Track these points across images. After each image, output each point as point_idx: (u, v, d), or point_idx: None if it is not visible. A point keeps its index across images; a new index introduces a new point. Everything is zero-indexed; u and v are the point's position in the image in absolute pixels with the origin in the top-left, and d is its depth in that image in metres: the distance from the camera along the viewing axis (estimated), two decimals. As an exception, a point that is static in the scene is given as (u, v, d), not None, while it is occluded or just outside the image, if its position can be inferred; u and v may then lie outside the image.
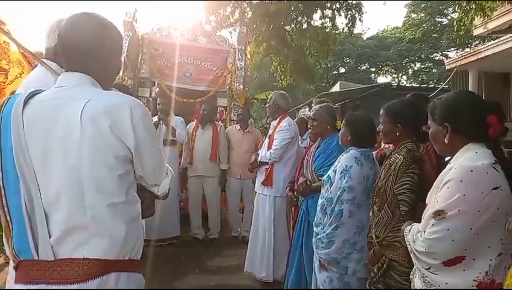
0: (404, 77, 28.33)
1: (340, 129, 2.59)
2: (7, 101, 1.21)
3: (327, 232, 2.29)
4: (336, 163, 2.43)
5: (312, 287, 2.52)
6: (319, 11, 7.27)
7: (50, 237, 1.14)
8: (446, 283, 1.35)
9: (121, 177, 1.20)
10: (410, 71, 27.72)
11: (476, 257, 1.33)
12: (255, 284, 3.70)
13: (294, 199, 3.09)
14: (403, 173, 1.89)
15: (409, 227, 1.52)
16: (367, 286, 2.04)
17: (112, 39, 1.28)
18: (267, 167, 3.66)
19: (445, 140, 1.47)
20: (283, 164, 3.61)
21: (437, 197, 1.39)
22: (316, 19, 7.53)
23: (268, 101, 3.89)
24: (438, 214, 1.34)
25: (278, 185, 3.57)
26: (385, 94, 11.33)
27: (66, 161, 1.14)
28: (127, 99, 1.22)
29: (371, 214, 2.05)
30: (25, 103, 1.18)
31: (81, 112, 1.14)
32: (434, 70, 24.79)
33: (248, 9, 7.17)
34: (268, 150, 3.66)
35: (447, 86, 10.07)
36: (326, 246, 2.28)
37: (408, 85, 15.77)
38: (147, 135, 1.23)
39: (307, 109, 14.10)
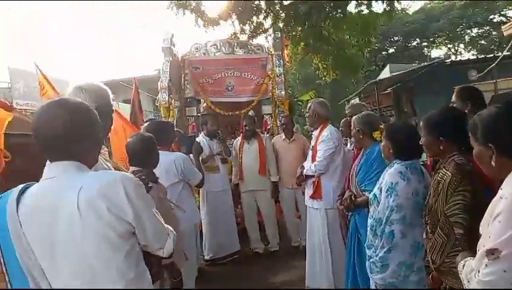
0: (462, 46, 26.35)
1: (378, 140, 2.43)
2: None
3: (380, 255, 2.15)
4: (380, 180, 2.28)
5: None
6: (353, 1, 6.96)
7: None
8: None
9: (128, 253, 1.23)
10: (466, 38, 25.68)
11: None
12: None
13: (346, 213, 2.97)
14: (453, 191, 1.71)
15: (462, 262, 1.37)
16: (428, 314, 1.89)
17: (83, 120, 1.28)
18: (314, 179, 3.56)
19: (492, 162, 1.30)
20: (330, 175, 3.50)
21: (489, 232, 1.24)
22: (351, 9, 7.20)
23: (307, 110, 3.79)
24: (492, 253, 1.19)
25: (328, 197, 3.46)
26: (439, 72, 10.60)
27: (73, 252, 1.18)
28: (117, 176, 1.26)
29: (424, 236, 1.89)
30: (18, 201, 1.21)
31: (77, 201, 1.16)
32: (494, 33, 22.72)
33: (280, 11, 7.05)
34: (312, 162, 3.56)
35: (509, 53, 9.16)
36: (381, 270, 2.15)
37: (463, 58, 14.52)
38: (142, 205, 1.27)
39: (357, 99, 13.62)
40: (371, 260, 2.23)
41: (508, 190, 1.24)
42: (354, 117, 2.87)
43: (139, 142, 2.44)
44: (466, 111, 2.46)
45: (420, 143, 1.95)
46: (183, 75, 6.43)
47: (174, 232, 1.44)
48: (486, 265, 1.21)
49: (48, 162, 1.28)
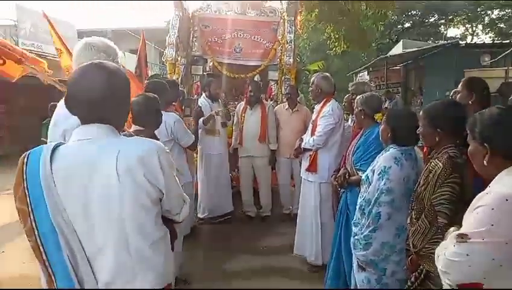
0: (480, 27, 25.58)
1: (378, 122, 2.46)
2: (28, 157, 1.25)
3: (365, 233, 2.24)
4: (374, 162, 2.33)
5: (352, 284, 2.52)
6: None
7: (97, 282, 1.24)
8: None
9: (156, 216, 1.32)
10: (486, 20, 24.88)
11: (496, 288, 1.27)
12: (304, 267, 3.78)
13: (339, 189, 3.04)
14: (442, 182, 1.76)
15: (443, 242, 1.46)
16: (403, 294, 2.00)
17: (120, 85, 1.33)
18: (311, 153, 3.61)
19: (484, 161, 1.35)
20: (327, 150, 3.55)
21: (466, 219, 1.33)
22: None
23: (310, 84, 3.76)
24: (461, 237, 1.28)
25: (323, 171, 3.54)
26: (452, 53, 10.39)
27: (109, 213, 1.22)
28: (153, 145, 1.31)
29: (408, 220, 1.96)
30: (51, 159, 1.23)
31: (116, 164, 1.21)
32: (515, 16, 22.00)
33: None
34: (311, 136, 3.59)
35: (525, 41, 8.94)
36: (364, 247, 2.25)
37: (479, 42, 14.10)
38: (171, 174, 1.34)
39: (366, 72, 13.45)
40: (356, 237, 2.32)
41: (496, 187, 1.29)
42: (358, 97, 2.87)
43: (144, 102, 2.46)
44: (470, 102, 2.47)
45: (418, 132, 1.98)
46: (192, 32, 6.32)
47: (189, 199, 1.51)
48: (454, 245, 1.31)
49: (80, 124, 1.30)
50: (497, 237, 1.22)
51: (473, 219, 1.29)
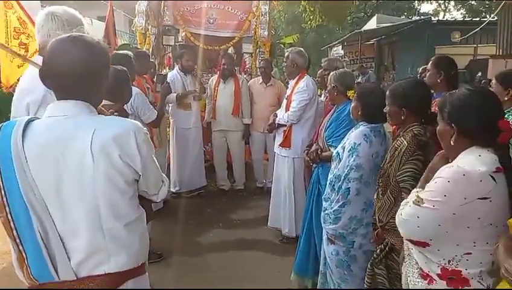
0: (452, 3, 25.91)
1: (351, 99, 2.49)
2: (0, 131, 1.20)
3: (334, 208, 2.31)
4: (344, 139, 2.37)
5: (321, 256, 2.61)
6: None
7: (70, 261, 1.22)
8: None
9: (131, 198, 1.30)
10: (458, -4, 25.21)
11: (441, 249, 1.38)
12: (276, 239, 3.88)
13: (311, 164, 3.10)
14: (406, 159, 1.83)
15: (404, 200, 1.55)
16: (369, 266, 2.10)
17: (100, 60, 1.27)
18: (285, 128, 3.64)
19: (451, 142, 1.40)
20: (301, 126, 3.58)
21: (427, 186, 1.40)
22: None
23: (285, 60, 3.74)
24: (417, 200, 1.38)
25: (296, 146, 3.58)
26: (424, 29, 10.53)
27: (81, 192, 1.19)
28: (130, 125, 1.27)
29: (375, 196, 2.03)
30: (23, 134, 1.18)
31: (91, 143, 1.17)
32: (486, -6, 22.37)
33: None
34: (286, 112, 3.61)
35: (494, 19, 9.16)
36: (333, 221, 2.32)
37: (450, 19, 14.35)
38: (149, 155, 1.31)
39: (340, 47, 13.47)
40: (326, 211, 2.39)
41: (459, 161, 1.36)
42: (331, 73, 2.88)
43: (113, 76, 2.36)
44: (438, 80, 2.53)
45: (384, 111, 2.02)
46: (163, 1, 6.08)
47: (168, 180, 1.49)
48: (409, 206, 1.41)
49: (43, 97, 1.25)
50: (446, 207, 1.30)
51: (431, 186, 1.37)
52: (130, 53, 3.37)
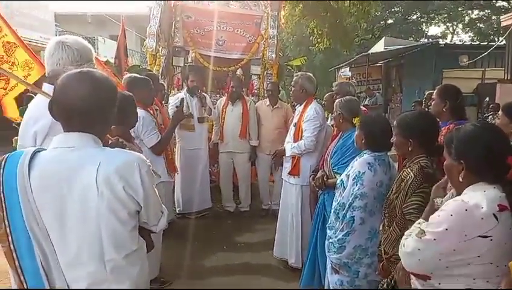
0: (460, 26, 26.09)
1: (355, 125, 2.51)
2: (6, 160, 1.23)
3: (339, 237, 2.30)
4: (349, 167, 2.37)
5: (325, 286, 2.58)
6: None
7: None
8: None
9: (132, 229, 1.31)
10: (466, 19, 25.37)
11: (442, 283, 1.37)
12: (281, 265, 3.79)
13: (317, 190, 3.08)
14: (413, 192, 1.82)
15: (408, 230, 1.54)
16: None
17: (106, 95, 1.31)
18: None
19: (460, 178, 1.39)
20: (310, 154, 3.52)
21: (431, 218, 1.40)
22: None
23: (293, 84, 3.74)
24: (420, 232, 1.37)
25: (305, 174, 3.49)
26: (432, 52, 10.58)
27: (85, 223, 1.21)
28: (134, 157, 1.30)
29: (381, 227, 2.02)
30: (29, 165, 1.21)
31: (96, 176, 1.20)
32: (494, 18, 22.49)
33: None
34: (295, 140, 3.56)
35: (502, 43, 9.19)
36: (338, 251, 2.30)
37: (458, 43, 14.39)
38: (150, 187, 1.33)
39: (347, 68, 13.55)
40: (330, 240, 2.37)
41: (464, 196, 1.35)
42: (337, 100, 2.90)
43: (119, 100, 2.41)
44: (444, 110, 2.54)
45: (391, 141, 2.03)
46: (173, 22, 6.22)
47: (167, 210, 1.51)
48: (412, 238, 1.40)
49: (49, 127, 1.29)
50: (447, 241, 1.29)
51: (434, 219, 1.37)
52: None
